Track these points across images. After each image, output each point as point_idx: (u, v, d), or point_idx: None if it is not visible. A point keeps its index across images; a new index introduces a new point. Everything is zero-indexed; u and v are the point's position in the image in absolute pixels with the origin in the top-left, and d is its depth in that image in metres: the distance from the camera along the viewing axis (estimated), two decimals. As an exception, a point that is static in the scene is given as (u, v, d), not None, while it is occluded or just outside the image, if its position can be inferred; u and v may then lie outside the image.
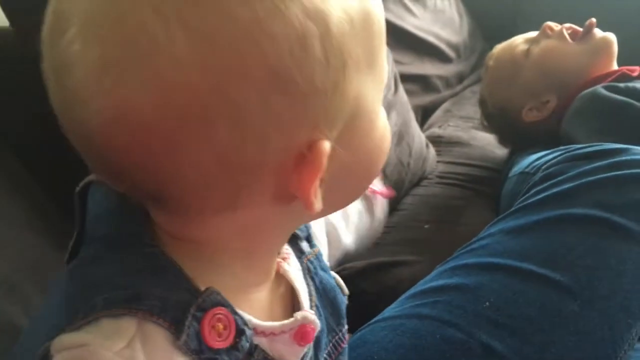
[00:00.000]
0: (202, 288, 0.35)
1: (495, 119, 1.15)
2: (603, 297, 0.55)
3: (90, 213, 0.40)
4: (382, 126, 0.40)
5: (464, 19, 1.73)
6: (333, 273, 0.50)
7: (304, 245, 0.48)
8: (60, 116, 0.33)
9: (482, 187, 1.06)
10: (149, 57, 0.30)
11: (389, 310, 0.62)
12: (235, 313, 0.36)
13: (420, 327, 0.56)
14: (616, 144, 0.65)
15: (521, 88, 1.06)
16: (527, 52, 1.05)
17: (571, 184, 0.61)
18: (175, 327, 0.33)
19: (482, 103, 1.20)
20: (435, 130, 1.32)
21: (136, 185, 0.34)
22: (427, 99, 1.47)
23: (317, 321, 0.41)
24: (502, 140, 1.17)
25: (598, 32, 1.00)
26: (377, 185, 0.90)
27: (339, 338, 0.48)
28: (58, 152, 0.40)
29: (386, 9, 1.45)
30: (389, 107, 1.00)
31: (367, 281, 0.81)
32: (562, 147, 0.71)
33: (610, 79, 0.94)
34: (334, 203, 0.41)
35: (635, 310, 0.56)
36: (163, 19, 0.29)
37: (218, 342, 0.35)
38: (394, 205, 1.01)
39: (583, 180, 0.61)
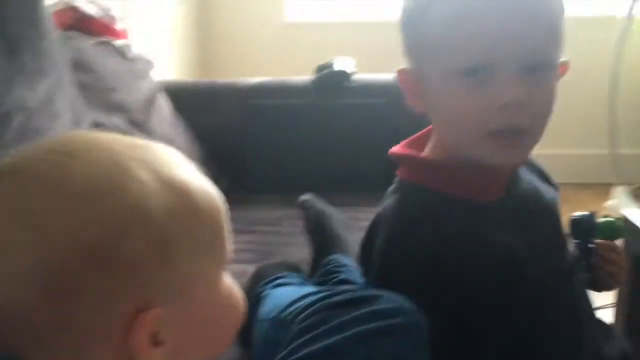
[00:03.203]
0: None
1: None
2: None
3: None
4: (226, 290, 0.49)
5: (194, 147, 1.74)
6: None
7: None
8: None
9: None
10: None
11: None
12: None
13: None
14: (368, 290, 0.67)
15: None
16: None
17: (332, 339, 0.59)
18: None
19: None
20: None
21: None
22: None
23: None
24: None
25: None
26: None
27: None
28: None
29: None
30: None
31: None
32: (314, 291, 0.71)
33: None
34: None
35: None
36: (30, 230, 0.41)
37: None
38: None
39: (344, 335, 0.59)
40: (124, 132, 1.45)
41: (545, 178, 0.83)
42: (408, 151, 0.76)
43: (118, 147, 0.45)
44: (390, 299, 0.62)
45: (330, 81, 1.84)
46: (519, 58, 0.63)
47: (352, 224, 1.42)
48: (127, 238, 0.41)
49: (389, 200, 0.75)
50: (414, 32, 0.69)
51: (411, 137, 0.79)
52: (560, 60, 0.69)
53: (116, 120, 1.45)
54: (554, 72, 0.67)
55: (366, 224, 1.48)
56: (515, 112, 0.63)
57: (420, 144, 0.77)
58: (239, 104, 1.85)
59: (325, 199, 1.54)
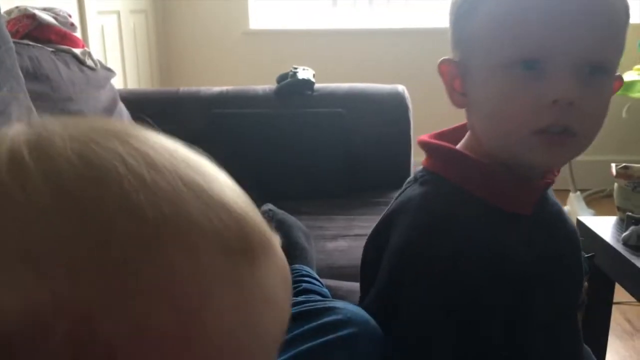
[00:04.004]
0: None
1: None
2: None
3: None
4: None
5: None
6: None
7: None
8: None
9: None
10: None
11: None
12: None
13: None
14: (321, 302, 0.66)
15: None
16: None
17: (282, 356, 0.58)
18: None
19: None
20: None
21: None
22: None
23: None
24: None
25: None
26: None
27: None
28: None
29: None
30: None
31: None
32: None
33: None
34: None
35: None
36: None
37: None
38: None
39: (297, 350, 0.59)
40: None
41: None
42: (444, 143, 0.70)
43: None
44: (341, 310, 0.63)
45: (294, 90, 1.85)
46: (576, 55, 0.59)
47: (313, 233, 1.42)
48: None
49: (412, 191, 0.69)
50: (464, 24, 0.65)
51: (437, 131, 0.74)
52: (616, 74, 0.65)
53: (74, 130, 1.43)
54: (610, 80, 0.63)
55: (327, 232, 1.50)
56: (566, 110, 0.59)
57: (447, 140, 0.72)
58: (201, 113, 1.84)
59: (286, 208, 1.54)
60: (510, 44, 0.60)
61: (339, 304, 0.64)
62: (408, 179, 0.72)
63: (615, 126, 2.79)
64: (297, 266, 1.09)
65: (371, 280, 0.71)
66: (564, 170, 2.53)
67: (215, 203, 0.29)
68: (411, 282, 0.64)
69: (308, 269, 1.10)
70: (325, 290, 1.03)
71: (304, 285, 1.03)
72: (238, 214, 0.30)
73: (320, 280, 1.07)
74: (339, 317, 0.62)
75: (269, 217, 1.21)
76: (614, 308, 1.47)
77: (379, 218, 0.73)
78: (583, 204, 2.53)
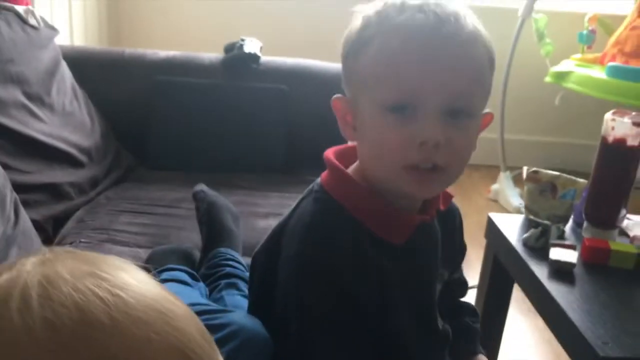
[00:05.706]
0: None
1: None
2: None
3: None
4: None
5: (96, 121, 1.74)
6: None
7: None
8: None
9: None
10: None
11: None
12: None
13: None
14: (218, 317, 0.73)
15: None
16: None
17: None
18: None
19: None
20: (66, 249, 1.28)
21: None
22: (58, 208, 1.43)
23: None
24: None
25: None
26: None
27: None
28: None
29: (8, 115, 1.40)
30: (8, 243, 0.94)
31: None
32: None
33: None
34: None
35: None
36: None
37: None
38: None
39: None
40: (23, 106, 1.44)
41: (459, 233, 0.89)
42: (337, 164, 0.77)
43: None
44: (233, 324, 0.71)
45: (240, 63, 1.87)
46: (441, 102, 0.67)
47: (247, 209, 1.49)
48: None
49: (306, 206, 0.76)
50: (353, 64, 0.72)
51: (344, 146, 0.81)
52: (485, 111, 0.75)
53: (13, 93, 1.43)
54: (475, 121, 0.72)
55: (260, 210, 1.57)
56: (433, 150, 0.68)
57: (351, 156, 0.79)
58: (145, 78, 1.85)
59: (223, 181, 1.60)
60: (386, 88, 0.68)
61: (233, 316, 0.72)
62: (308, 189, 0.80)
63: (547, 112, 2.94)
64: (222, 250, 1.17)
65: (259, 285, 0.80)
66: (496, 148, 2.66)
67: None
68: (300, 288, 0.72)
69: (233, 252, 1.17)
70: (246, 274, 1.11)
71: (227, 269, 1.11)
72: None
73: (243, 263, 1.15)
74: (229, 330, 0.70)
75: (201, 198, 1.27)
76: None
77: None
78: (511, 183, 2.67)
